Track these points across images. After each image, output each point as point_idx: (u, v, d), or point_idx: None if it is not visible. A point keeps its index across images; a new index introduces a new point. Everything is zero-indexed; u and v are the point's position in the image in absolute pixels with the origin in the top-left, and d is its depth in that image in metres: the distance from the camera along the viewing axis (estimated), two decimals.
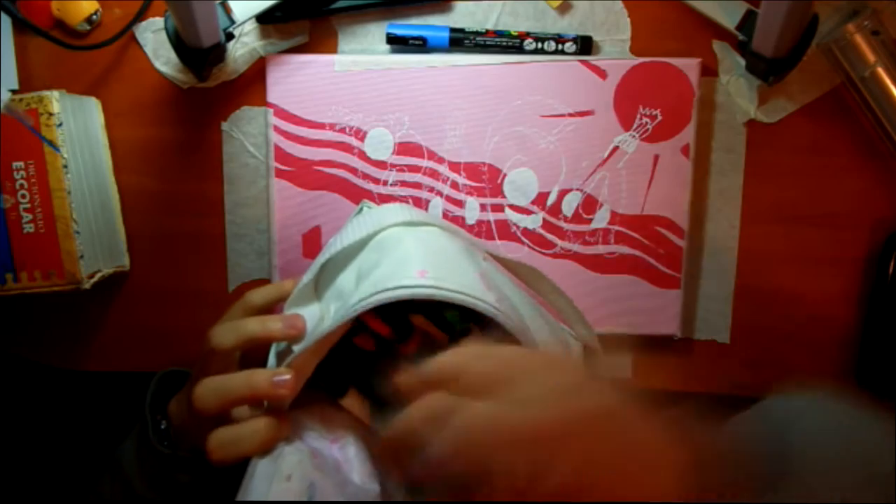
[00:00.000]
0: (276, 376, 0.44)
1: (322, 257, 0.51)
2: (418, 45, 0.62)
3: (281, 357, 0.50)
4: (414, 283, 0.41)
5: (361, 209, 0.56)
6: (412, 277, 0.42)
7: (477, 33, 0.62)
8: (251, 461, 0.45)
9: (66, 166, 0.58)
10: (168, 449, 0.52)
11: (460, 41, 0.62)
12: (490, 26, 0.63)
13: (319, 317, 0.49)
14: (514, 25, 0.63)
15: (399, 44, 0.62)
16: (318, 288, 0.52)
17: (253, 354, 0.51)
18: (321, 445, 0.47)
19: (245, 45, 0.63)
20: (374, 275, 0.45)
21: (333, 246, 0.51)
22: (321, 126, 0.62)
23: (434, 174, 0.63)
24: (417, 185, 0.63)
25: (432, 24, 0.63)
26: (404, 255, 0.45)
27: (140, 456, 0.54)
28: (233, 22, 0.58)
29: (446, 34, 0.62)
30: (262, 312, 0.54)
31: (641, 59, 0.61)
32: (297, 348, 0.46)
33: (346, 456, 0.48)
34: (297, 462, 0.44)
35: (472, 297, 0.41)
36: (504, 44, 0.62)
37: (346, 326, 0.45)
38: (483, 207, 0.63)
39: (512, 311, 0.45)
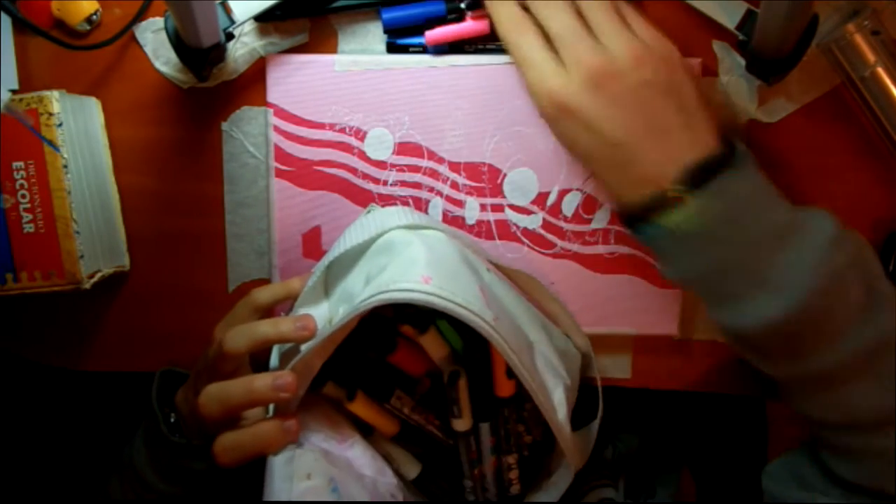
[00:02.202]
0: (277, 380, 0.45)
1: (326, 259, 0.51)
2: (419, 51, 0.62)
3: (285, 356, 0.51)
4: (416, 288, 0.42)
5: (369, 212, 0.57)
6: (416, 282, 0.43)
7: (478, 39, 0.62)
8: (267, 461, 0.45)
9: (66, 166, 0.58)
10: (181, 439, 0.53)
11: (460, 47, 0.62)
12: None
13: (328, 318, 0.50)
14: None
15: (400, 52, 0.62)
16: (328, 290, 0.53)
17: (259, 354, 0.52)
18: (330, 446, 0.48)
19: (245, 44, 0.63)
20: (380, 278, 0.45)
21: (337, 248, 0.51)
22: (321, 126, 0.62)
23: (434, 174, 0.63)
24: (417, 185, 0.63)
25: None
26: (411, 258, 0.46)
27: (151, 450, 0.54)
28: (233, 22, 0.58)
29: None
30: (267, 311, 0.54)
31: None
32: (304, 348, 0.46)
33: (354, 454, 0.49)
34: (312, 461, 0.45)
35: (470, 311, 0.42)
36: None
37: (350, 327, 0.46)
38: (483, 207, 0.63)
39: (510, 327, 0.46)
